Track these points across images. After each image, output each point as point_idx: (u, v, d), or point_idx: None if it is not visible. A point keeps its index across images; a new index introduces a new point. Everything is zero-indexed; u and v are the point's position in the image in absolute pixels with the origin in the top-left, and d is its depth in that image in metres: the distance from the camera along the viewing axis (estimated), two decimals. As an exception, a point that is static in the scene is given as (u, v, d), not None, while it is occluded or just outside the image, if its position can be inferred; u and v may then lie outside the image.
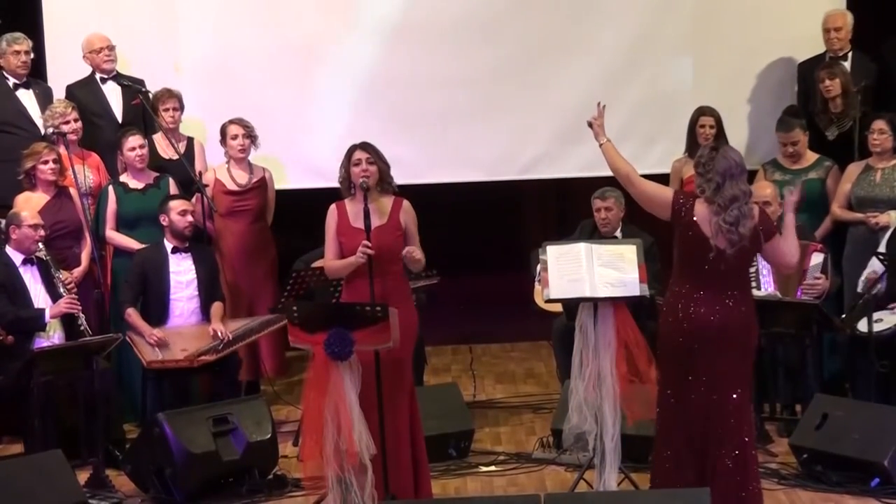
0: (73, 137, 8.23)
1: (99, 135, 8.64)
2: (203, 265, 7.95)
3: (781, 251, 6.00)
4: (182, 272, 7.90)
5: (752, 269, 7.68)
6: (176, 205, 7.91)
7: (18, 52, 8.54)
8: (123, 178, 8.32)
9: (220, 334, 7.68)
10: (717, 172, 5.82)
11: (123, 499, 6.95)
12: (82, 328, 7.43)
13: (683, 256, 5.93)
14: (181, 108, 8.62)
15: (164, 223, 7.91)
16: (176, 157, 8.48)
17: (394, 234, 6.36)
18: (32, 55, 8.64)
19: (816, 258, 7.67)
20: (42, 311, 7.48)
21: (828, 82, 8.55)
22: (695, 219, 5.86)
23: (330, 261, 6.41)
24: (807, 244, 7.69)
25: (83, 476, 6.98)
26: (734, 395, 5.88)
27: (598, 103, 6.26)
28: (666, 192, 6.05)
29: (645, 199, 6.08)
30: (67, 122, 8.20)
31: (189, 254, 7.93)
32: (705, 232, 5.84)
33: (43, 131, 8.29)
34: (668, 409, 5.98)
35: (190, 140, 8.71)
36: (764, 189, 7.94)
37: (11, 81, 8.58)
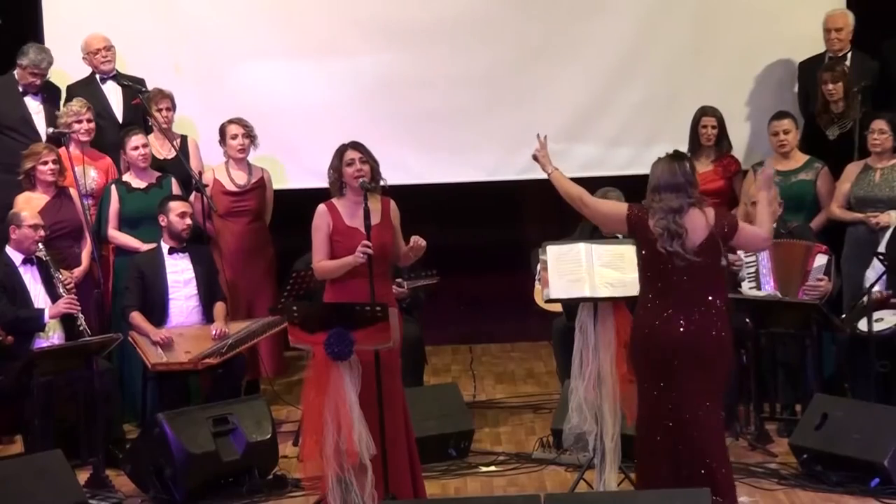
0: (85, 137, 8.25)
1: (99, 135, 8.63)
2: (201, 265, 7.95)
3: (750, 237, 5.96)
4: (179, 272, 7.90)
5: (752, 270, 7.69)
6: (175, 206, 7.91)
7: (36, 75, 8.53)
8: (126, 177, 8.33)
9: (218, 332, 7.69)
10: (650, 184, 5.84)
11: (123, 499, 6.95)
12: (81, 328, 7.42)
13: (645, 270, 5.88)
14: (174, 107, 8.62)
15: (163, 223, 7.91)
16: (171, 155, 8.50)
17: (389, 233, 6.36)
18: (49, 76, 8.63)
19: (820, 260, 7.64)
20: (41, 311, 7.48)
21: (830, 85, 8.54)
22: (648, 229, 5.80)
23: (324, 261, 6.34)
24: (811, 245, 7.69)
25: (83, 476, 6.97)
26: (700, 412, 5.80)
27: (538, 134, 6.24)
28: (620, 208, 6.00)
29: (601, 217, 6.09)
30: (80, 122, 8.21)
31: (186, 254, 7.93)
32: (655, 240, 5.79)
33: (43, 134, 8.28)
34: (644, 424, 5.92)
35: (184, 138, 8.71)
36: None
37: (21, 87, 8.58)
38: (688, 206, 5.81)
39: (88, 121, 8.28)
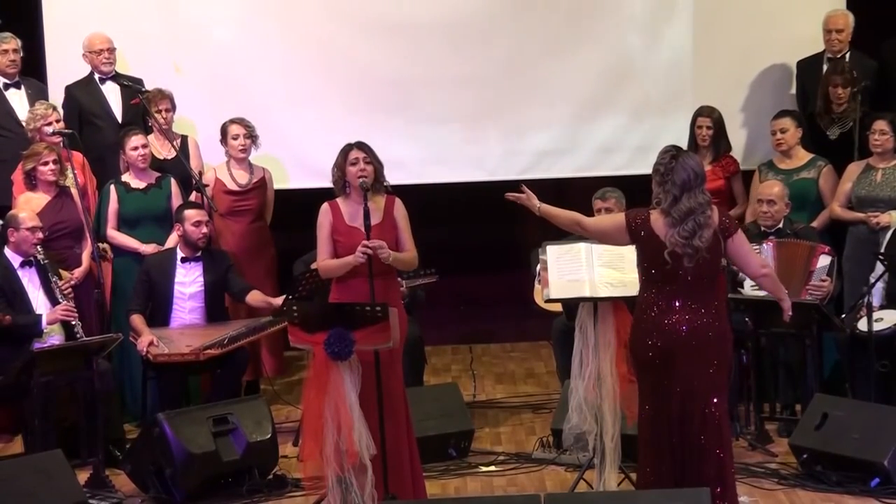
0: (58, 139, 8.16)
1: (99, 135, 8.65)
2: (213, 273, 7.86)
3: (745, 253, 5.91)
4: (187, 283, 7.86)
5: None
6: (191, 214, 7.83)
7: (6, 52, 8.54)
8: (125, 177, 8.32)
9: (275, 303, 7.65)
10: (676, 184, 5.72)
11: (123, 499, 6.95)
12: (79, 336, 7.41)
13: (649, 270, 5.84)
14: (173, 108, 8.62)
15: (178, 232, 7.86)
16: (171, 156, 8.49)
17: (391, 232, 6.37)
18: (22, 53, 8.62)
19: (824, 260, 7.62)
20: (39, 316, 7.47)
21: (840, 90, 8.52)
22: (653, 231, 5.77)
23: (326, 261, 6.37)
24: (814, 246, 7.69)
25: (83, 476, 6.97)
26: (708, 406, 5.79)
27: (521, 185, 6.23)
28: (617, 219, 5.98)
29: (600, 234, 6.06)
30: (50, 124, 8.17)
31: (200, 263, 7.87)
32: (664, 243, 5.76)
33: (29, 134, 8.25)
34: (646, 423, 5.90)
35: (184, 138, 8.71)
36: (772, 188, 7.92)
37: (1, 81, 8.57)
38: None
39: (57, 121, 8.21)
